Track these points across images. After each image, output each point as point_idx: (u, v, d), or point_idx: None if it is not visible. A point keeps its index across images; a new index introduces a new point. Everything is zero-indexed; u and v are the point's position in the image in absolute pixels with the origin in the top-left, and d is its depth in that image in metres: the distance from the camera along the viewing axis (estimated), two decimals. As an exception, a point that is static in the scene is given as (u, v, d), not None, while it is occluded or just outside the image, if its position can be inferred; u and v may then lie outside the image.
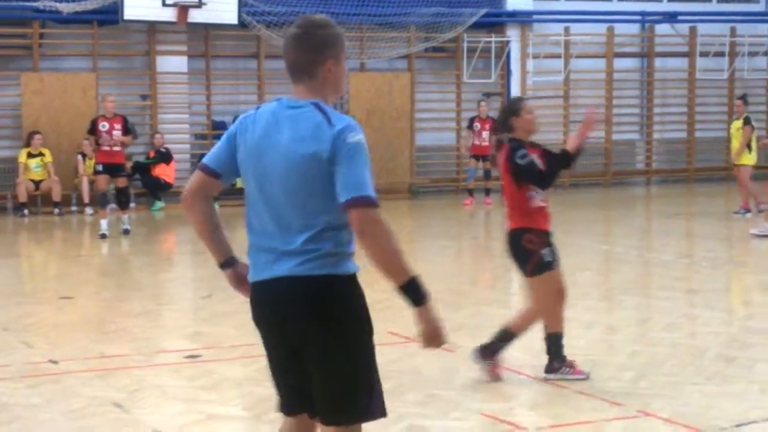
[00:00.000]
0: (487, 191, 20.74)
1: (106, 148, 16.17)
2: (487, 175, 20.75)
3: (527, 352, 8.71)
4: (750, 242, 14.94)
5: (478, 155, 20.72)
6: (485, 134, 20.56)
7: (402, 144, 22.21)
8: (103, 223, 16.14)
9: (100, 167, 16.29)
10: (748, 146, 17.36)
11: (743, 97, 18.00)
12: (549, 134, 24.25)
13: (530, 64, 23.44)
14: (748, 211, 17.63)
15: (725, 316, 10.38)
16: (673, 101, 25.13)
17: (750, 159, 17.36)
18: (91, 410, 6.95)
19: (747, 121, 17.42)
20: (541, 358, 8.33)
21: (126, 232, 16.46)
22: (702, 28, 24.83)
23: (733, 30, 25.07)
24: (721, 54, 24.89)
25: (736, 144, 17.50)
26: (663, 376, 7.71)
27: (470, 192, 20.89)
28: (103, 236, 16.00)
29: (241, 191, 17.32)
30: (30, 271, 14.50)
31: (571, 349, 8.66)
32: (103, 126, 16.20)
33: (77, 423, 6.69)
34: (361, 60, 22.47)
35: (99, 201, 16.81)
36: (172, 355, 8.61)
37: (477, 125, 20.83)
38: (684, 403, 6.99)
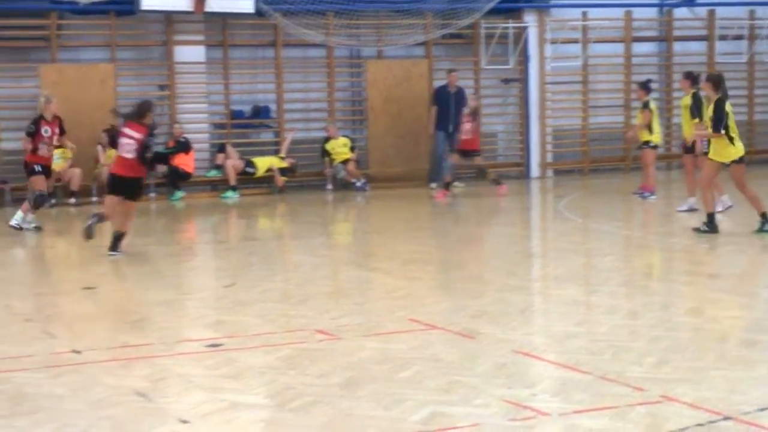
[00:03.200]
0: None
1: (45, 151, 16.06)
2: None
3: (550, 338, 8.72)
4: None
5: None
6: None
7: (420, 131, 22.17)
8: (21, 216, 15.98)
9: (39, 167, 16.02)
10: (650, 128, 18.20)
11: (643, 84, 18.79)
12: (568, 119, 24.27)
13: (548, 49, 23.36)
14: (652, 194, 18.43)
15: (747, 300, 10.35)
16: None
17: (654, 139, 18.13)
18: (115, 400, 6.98)
19: (645, 105, 18.25)
20: (565, 344, 8.34)
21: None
22: (720, 11, 24.69)
23: (752, 13, 24.92)
24: (740, 37, 24.75)
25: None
26: (685, 361, 7.69)
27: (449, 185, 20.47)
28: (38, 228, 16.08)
29: (259, 180, 17.40)
30: (52, 261, 14.56)
31: (593, 334, 8.67)
32: (46, 131, 15.93)
33: (101, 412, 6.72)
34: (379, 47, 22.45)
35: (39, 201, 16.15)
36: (195, 344, 8.64)
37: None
38: (707, 388, 6.97)
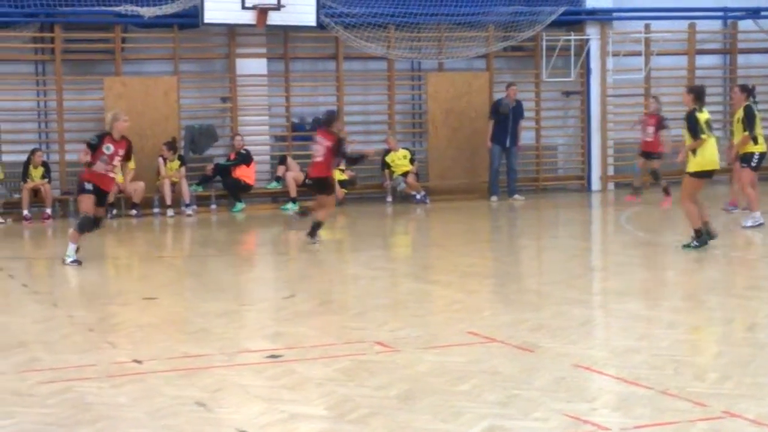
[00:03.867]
0: None
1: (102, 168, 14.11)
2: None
3: (611, 352, 8.65)
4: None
5: None
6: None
7: (481, 143, 22.13)
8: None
9: (91, 186, 14.21)
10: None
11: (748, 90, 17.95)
12: (630, 132, 24.07)
13: (610, 62, 23.24)
14: (735, 207, 18.31)
15: (812, 315, 10.19)
16: (756, 98, 24.70)
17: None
18: (175, 409, 7.02)
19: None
20: (626, 358, 8.27)
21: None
22: (786, 23, 24.45)
23: (818, 25, 24.65)
24: (806, 49, 24.46)
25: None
26: (748, 377, 7.59)
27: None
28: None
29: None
30: (114, 272, 14.70)
31: (654, 349, 8.59)
32: (108, 148, 14.04)
33: (161, 422, 6.77)
34: (440, 60, 22.46)
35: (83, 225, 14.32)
36: (254, 355, 8.68)
37: None
38: (770, 404, 6.89)
